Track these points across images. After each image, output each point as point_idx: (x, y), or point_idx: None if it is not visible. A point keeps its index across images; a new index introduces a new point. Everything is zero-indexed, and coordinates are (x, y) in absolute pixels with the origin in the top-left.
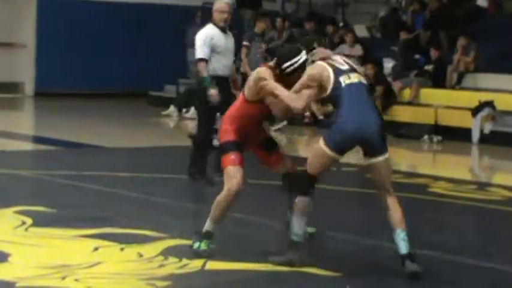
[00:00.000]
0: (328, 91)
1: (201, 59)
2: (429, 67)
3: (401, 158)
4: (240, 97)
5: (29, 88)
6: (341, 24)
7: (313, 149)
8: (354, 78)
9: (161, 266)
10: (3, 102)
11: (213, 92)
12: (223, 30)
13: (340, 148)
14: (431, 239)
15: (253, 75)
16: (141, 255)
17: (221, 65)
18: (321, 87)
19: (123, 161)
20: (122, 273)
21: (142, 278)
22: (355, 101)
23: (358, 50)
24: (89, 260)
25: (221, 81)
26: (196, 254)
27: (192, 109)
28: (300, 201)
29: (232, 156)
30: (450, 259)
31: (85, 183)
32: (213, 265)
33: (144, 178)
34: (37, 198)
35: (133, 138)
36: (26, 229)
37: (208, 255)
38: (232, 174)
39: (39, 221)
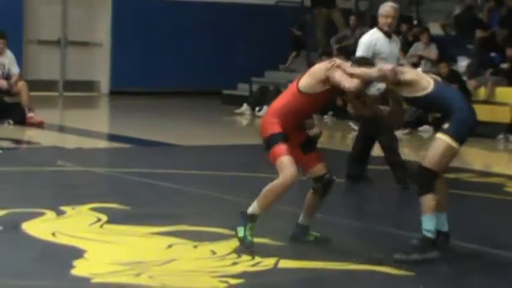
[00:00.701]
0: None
1: None
2: (505, 65)
3: (476, 157)
4: (291, 88)
5: (105, 87)
6: (415, 22)
7: (436, 147)
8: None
9: (234, 263)
10: (80, 100)
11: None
12: (387, 34)
13: (463, 141)
14: (507, 239)
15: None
16: (214, 253)
17: None
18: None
19: (196, 159)
20: (195, 270)
21: (215, 276)
22: (456, 93)
23: (433, 49)
24: (162, 257)
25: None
26: (242, 244)
27: (265, 107)
28: (428, 198)
29: (283, 146)
30: None
31: (158, 181)
32: (285, 263)
33: (217, 176)
34: (112, 196)
35: (207, 137)
36: (101, 226)
37: (251, 249)
38: (287, 165)
39: (114, 218)
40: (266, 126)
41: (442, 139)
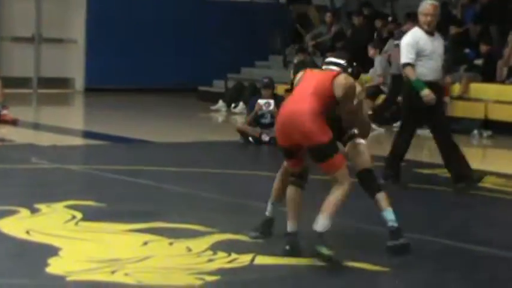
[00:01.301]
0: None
1: (407, 64)
2: (479, 62)
3: None
4: (325, 90)
5: (79, 84)
6: (390, 18)
7: (365, 150)
8: None
9: (210, 260)
10: (54, 97)
11: (427, 92)
12: (429, 33)
13: None
14: (483, 235)
15: (357, 85)
16: (190, 250)
17: (428, 70)
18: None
19: (172, 156)
20: (171, 267)
21: (191, 273)
22: None
23: None
24: (138, 254)
25: (429, 86)
26: (329, 261)
27: (241, 104)
28: (382, 195)
29: (341, 157)
30: (502, 255)
31: (134, 178)
32: (261, 260)
33: (193, 173)
34: (87, 193)
35: (182, 133)
36: (76, 223)
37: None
38: (347, 176)
39: (89, 215)
40: (317, 130)
41: (363, 142)
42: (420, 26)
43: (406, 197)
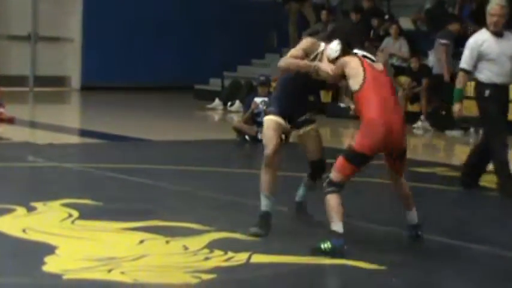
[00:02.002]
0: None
1: (461, 69)
2: None
3: (451, 151)
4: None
5: (76, 82)
6: (386, 17)
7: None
8: None
9: (206, 258)
10: (50, 95)
11: (456, 108)
12: (496, 34)
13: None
14: (480, 233)
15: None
16: (186, 248)
17: (493, 73)
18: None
19: (169, 154)
20: (167, 266)
21: (187, 271)
22: None
23: (403, 43)
24: (134, 253)
25: (496, 90)
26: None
27: (237, 102)
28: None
29: None
30: (499, 253)
31: (131, 176)
32: (258, 258)
33: (189, 171)
34: (83, 191)
35: (179, 132)
36: (73, 222)
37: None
38: None
39: (86, 213)
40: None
41: (317, 130)
42: (487, 27)
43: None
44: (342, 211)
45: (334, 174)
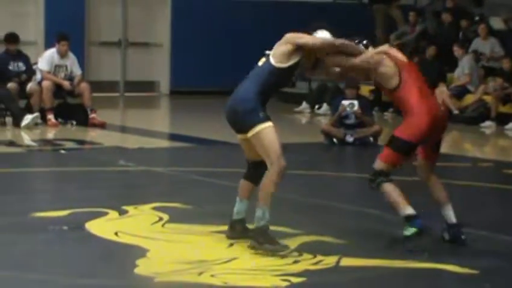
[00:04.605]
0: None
1: None
2: None
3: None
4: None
5: (165, 87)
6: (477, 18)
7: None
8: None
9: (296, 262)
10: (140, 100)
11: None
12: None
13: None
14: None
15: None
16: None
17: None
18: None
19: None
20: (256, 269)
21: (277, 274)
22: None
23: (494, 42)
24: (224, 256)
25: None
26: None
27: (324, 105)
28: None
29: None
30: None
31: (219, 179)
32: (347, 261)
33: None
34: (173, 195)
35: None
36: (163, 225)
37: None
38: None
39: (175, 217)
40: None
41: None
42: None
43: (495, 198)
44: (402, 195)
45: (380, 165)
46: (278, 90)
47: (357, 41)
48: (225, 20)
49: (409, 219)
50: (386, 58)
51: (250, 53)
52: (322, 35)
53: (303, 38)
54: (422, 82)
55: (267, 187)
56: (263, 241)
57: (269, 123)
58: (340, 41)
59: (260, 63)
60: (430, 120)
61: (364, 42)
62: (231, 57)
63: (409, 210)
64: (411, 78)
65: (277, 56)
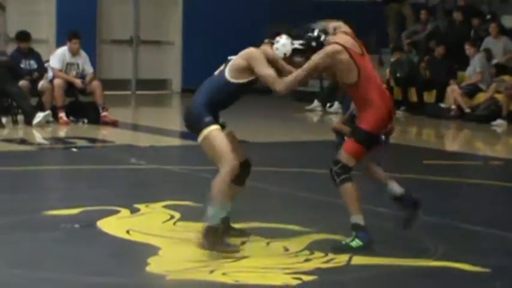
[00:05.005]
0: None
1: None
2: None
3: None
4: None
5: (176, 85)
6: (488, 17)
7: None
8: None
9: (307, 260)
10: (152, 98)
11: None
12: None
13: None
14: None
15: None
16: (287, 250)
17: None
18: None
19: (267, 156)
20: (268, 267)
21: (288, 272)
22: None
23: (506, 41)
24: (236, 254)
25: None
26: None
27: (336, 103)
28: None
29: None
30: None
31: None
32: (359, 260)
33: (288, 173)
34: (184, 193)
35: (277, 133)
36: (175, 223)
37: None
38: None
39: (187, 215)
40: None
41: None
42: None
43: (506, 196)
44: (359, 201)
45: (347, 159)
46: (232, 103)
47: (309, 34)
48: (237, 18)
49: (356, 229)
50: (342, 51)
51: None
52: (283, 41)
53: (263, 69)
54: (375, 72)
55: (219, 186)
56: (213, 240)
57: (215, 126)
58: (299, 76)
59: (220, 68)
60: (388, 111)
61: (316, 33)
62: None
63: (360, 220)
64: (367, 70)
65: (232, 70)
